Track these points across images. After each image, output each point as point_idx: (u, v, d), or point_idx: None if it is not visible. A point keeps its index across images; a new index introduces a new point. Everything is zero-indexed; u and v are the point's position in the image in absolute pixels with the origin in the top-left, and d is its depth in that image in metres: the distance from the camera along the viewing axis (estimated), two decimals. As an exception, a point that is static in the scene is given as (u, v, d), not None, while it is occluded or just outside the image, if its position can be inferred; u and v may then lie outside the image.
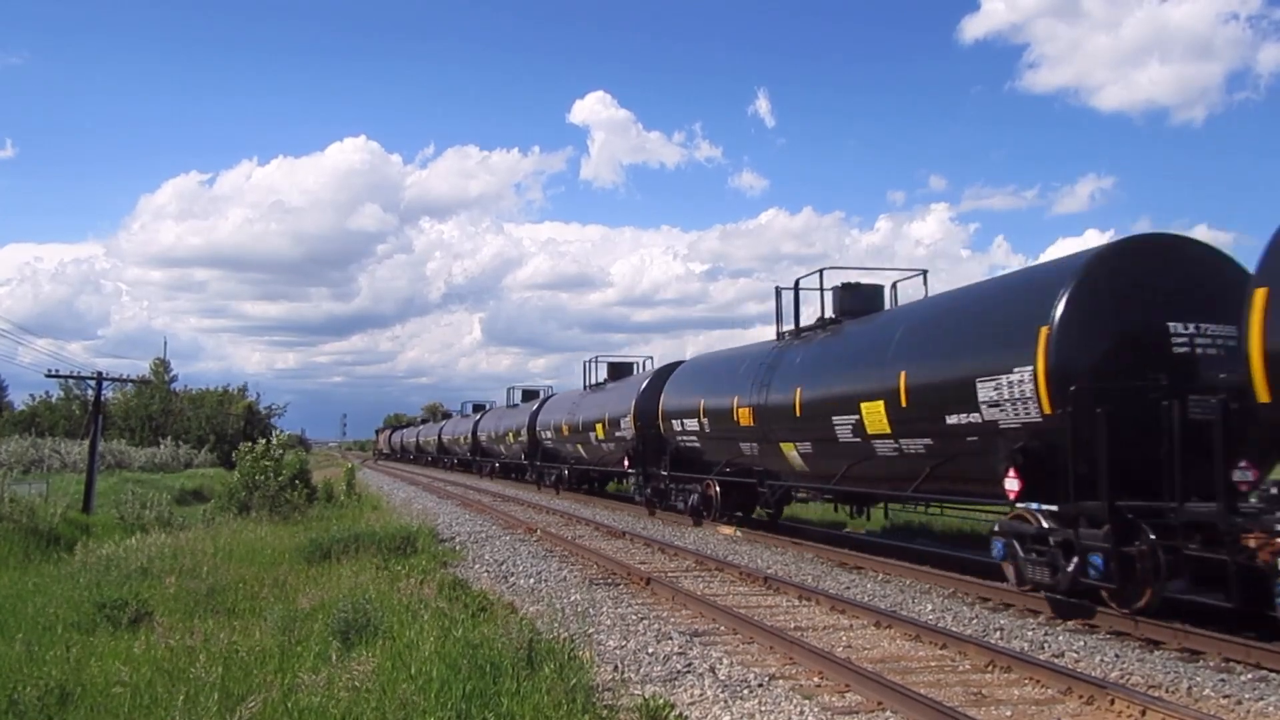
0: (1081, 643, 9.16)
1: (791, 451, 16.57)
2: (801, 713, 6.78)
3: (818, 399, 15.29)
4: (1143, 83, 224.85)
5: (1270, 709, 7.06)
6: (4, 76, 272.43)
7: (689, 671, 7.90)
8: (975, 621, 10.25)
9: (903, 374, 12.93)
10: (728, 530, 19.45)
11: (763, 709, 6.84)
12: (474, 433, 50.40)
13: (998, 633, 9.66)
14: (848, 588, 12.46)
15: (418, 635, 8.13)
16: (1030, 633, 9.65)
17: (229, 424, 68.43)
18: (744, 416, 17.97)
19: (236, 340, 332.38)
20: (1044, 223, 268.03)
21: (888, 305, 16.46)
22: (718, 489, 20.26)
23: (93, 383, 33.12)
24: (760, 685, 7.45)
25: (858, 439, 14.09)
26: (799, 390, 15.90)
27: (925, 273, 16.59)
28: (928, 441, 12.70)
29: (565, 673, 6.85)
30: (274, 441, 24.89)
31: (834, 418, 14.62)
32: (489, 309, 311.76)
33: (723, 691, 7.27)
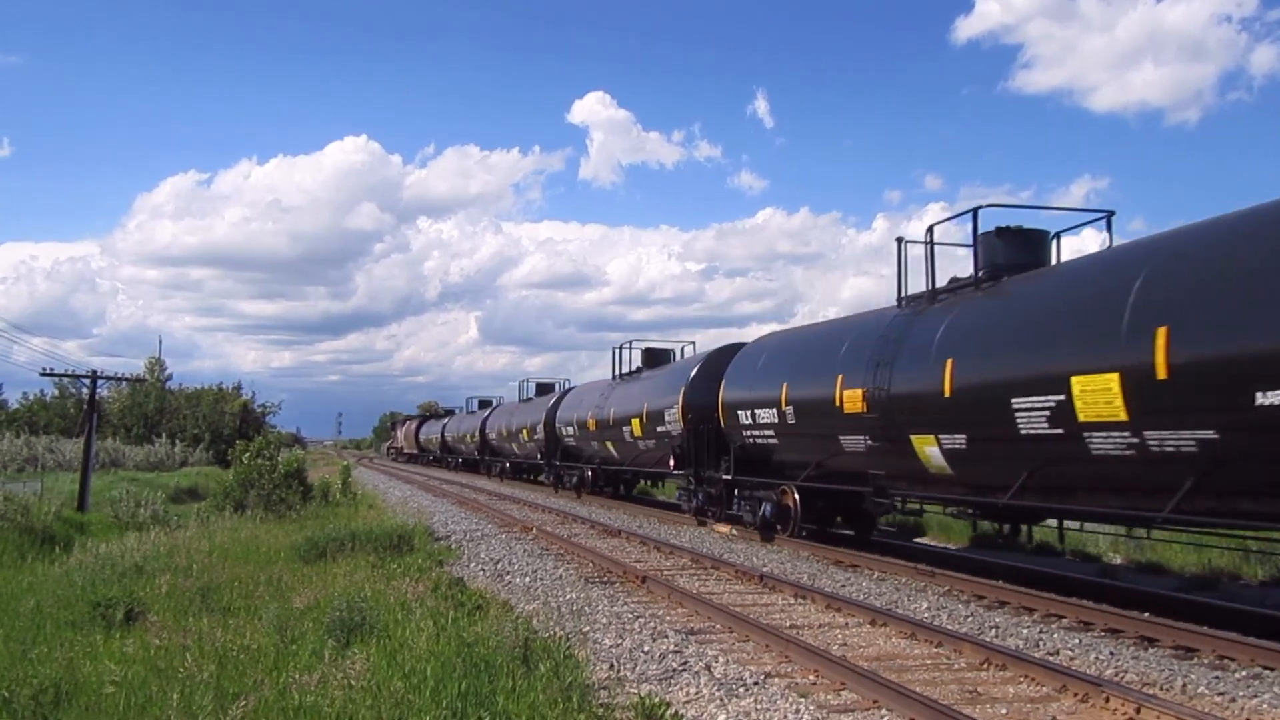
0: (1076, 640, 9.17)
1: (610, 447, 27.66)
2: (797, 711, 6.78)
3: (619, 415, 26.68)
4: (1136, 84, 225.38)
5: (1264, 706, 7.07)
6: (1, 75, 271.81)
7: (685, 670, 7.89)
8: (970, 619, 10.25)
9: (645, 404, 23.94)
10: (723, 529, 19.52)
11: (758, 707, 6.84)
12: (441, 434, 60.62)
13: (993, 630, 9.66)
14: (843, 586, 12.47)
15: (413, 634, 8.13)
16: (1025, 630, 9.66)
17: (224, 422, 68.25)
18: (591, 424, 28.46)
19: (232, 339, 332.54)
20: (1040, 222, 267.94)
21: (677, 359, 26.60)
22: (589, 473, 30.25)
23: (87, 381, 33.06)
24: (756, 683, 7.44)
25: (632, 439, 25.23)
26: (612, 410, 27.07)
27: (694, 344, 26.91)
28: (654, 441, 23.54)
29: (561, 671, 6.84)
30: (267, 439, 24.82)
31: (623, 426, 26.20)
32: (486, 308, 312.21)
33: (718, 690, 7.26)
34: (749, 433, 17.60)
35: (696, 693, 7.22)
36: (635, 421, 24.33)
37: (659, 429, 22.74)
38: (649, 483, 29.54)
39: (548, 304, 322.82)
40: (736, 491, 18.63)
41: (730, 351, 20.48)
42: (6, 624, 9.77)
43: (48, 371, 39.00)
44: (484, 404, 52.84)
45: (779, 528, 17.01)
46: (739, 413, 17.89)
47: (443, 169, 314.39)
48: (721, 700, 7.00)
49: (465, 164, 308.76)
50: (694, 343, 26.48)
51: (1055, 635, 9.44)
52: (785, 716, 6.68)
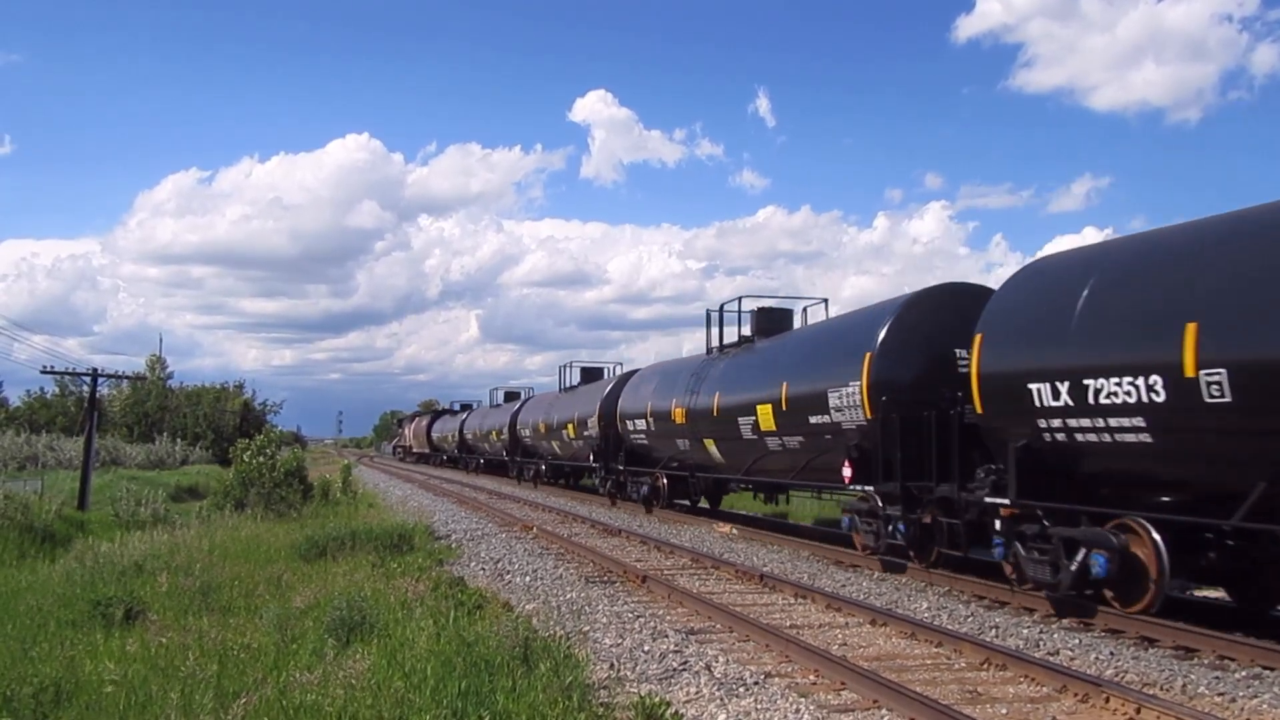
0: (1077, 640, 9.17)
1: (712, 447, 20.00)
2: (797, 710, 6.78)
3: (730, 403, 18.63)
4: (1137, 83, 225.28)
5: (1264, 706, 7.07)
6: (2, 73, 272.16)
7: (685, 669, 7.89)
8: (971, 619, 10.25)
9: (785, 383, 16.30)
10: (724, 529, 19.52)
11: (758, 706, 6.84)
12: (459, 431, 54.25)
13: (993, 630, 9.66)
14: (843, 585, 12.47)
15: (413, 633, 8.13)
16: (1025, 630, 9.66)
17: (225, 421, 68.28)
18: (679, 416, 21.36)
19: (233, 337, 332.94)
20: (1040, 220, 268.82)
21: (797, 325, 19.57)
22: (665, 481, 23.17)
23: (88, 379, 33.08)
24: (756, 683, 7.44)
25: (755, 436, 17.44)
26: (717, 395, 19.32)
27: (826, 301, 19.59)
28: (800, 438, 16.08)
29: (561, 670, 6.84)
30: (268, 437, 24.84)
31: (740, 418, 17.98)
32: (486, 306, 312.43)
33: (718, 689, 7.26)
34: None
35: (697, 692, 7.23)
36: (764, 411, 16.90)
37: (816, 420, 15.19)
38: (763, 498, 21.51)
39: (548, 302, 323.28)
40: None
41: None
42: (7, 623, 9.78)
43: (48, 369, 39.26)
44: (511, 396, 46.68)
45: None
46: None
47: (444, 167, 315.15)
48: (722, 700, 7.01)
49: (467, 162, 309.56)
50: (824, 301, 19.47)
51: (1055, 635, 9.44)
52: (785, 716, 6.68)
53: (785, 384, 16.24)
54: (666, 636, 9.16)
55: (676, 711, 6.64)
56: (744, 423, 17.79)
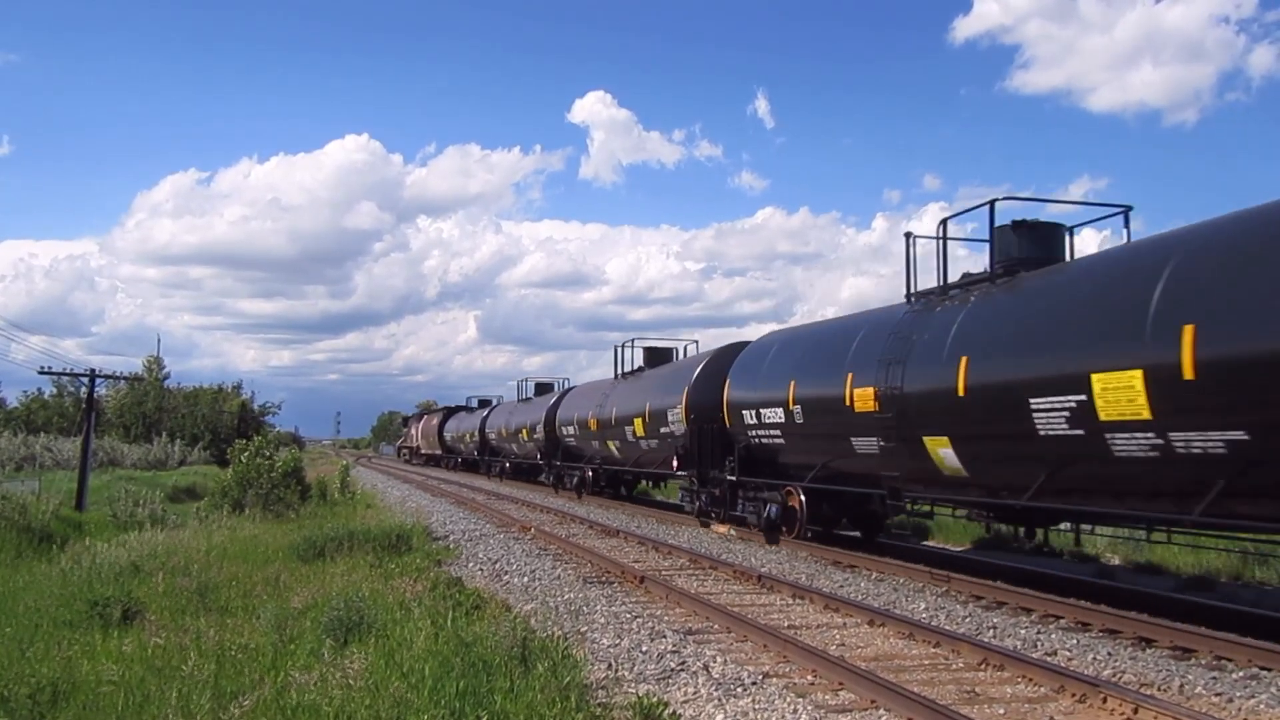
0: (1074, 641, 9.18)
1: (943, 449, 12.28)
2: (795, 711, 6.78)
3: (1002, 378, 11.18)
4: (1135, 84, 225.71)
5: (1262, 706, 7.08)
6: (2, 73, 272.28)
7: (683, 670, 7.89)
8: (968, 620, 10.25)
9: (1189, 329, 8.68)
10: (722, 529, 19.48)
11: (756, 707, 6.84)
12: (480, 430, 50.06)
13: (990, 631, 9.67)
14: (841, 586, 12.47)
15: (411, 633, 8.12)
16: (1023, 631, 9.66)
17: (223, 421, 68.24)
18: (865, 401, 13.68)
19: (231, 338, 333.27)
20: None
21: (1068, 256, 12.45)
22: (802, 498, 16.31)
23: (86, 379, 33.05)
24: (754, 683, 7.44)
25: (1075, 430, 10.03)
26: (964, 364, 11.64)
27: (1128, 211, 12.20)
28: (1239, 436, 8.40)
29: (559, 671, 6.83)
30: (265, 438, 24.84)
31: (1033, 400, 10.51)
32: (485, 307, 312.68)
33: (716, 690, 7.26)
34: None
35: (694, 692, 7.22)
36: (1112, 384, 9.51)
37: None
38: (1000, 527, 14.38)
39: (547, 303, 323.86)
40: None
41: None
42: (4, 623, 9.76)
43: (46, 370, 39.26)
44: (543, 388, 41.30)
45: None
46: None
47: (443, 168, 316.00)
48: (720, 700, 7.00)
49: (466, 163, 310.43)
50: (1125, 210, 12.06)
51: (1053, 635, 9.44)
52: (783, 716, 6.68)
53: (1192, 330, 8.65)
54: (664, 637, 9.16)
55: (674, 712, 6.64)
56: (1042, 408, 10.37)
